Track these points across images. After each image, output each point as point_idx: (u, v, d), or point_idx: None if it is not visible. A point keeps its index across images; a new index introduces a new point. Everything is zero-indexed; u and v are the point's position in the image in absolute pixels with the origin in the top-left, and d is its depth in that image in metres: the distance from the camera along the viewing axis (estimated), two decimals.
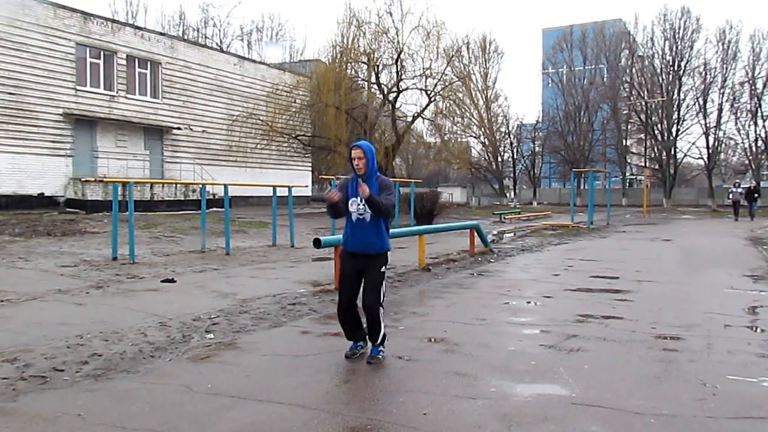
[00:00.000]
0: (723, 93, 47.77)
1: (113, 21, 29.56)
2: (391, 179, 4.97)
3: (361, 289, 4.86)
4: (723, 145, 51.24)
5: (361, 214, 4.78)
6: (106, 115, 27.28)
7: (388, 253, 4.93)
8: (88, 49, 26.73)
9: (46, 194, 24.54)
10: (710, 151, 48.25)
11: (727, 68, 47.36)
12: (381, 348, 4.82)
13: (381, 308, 4.79)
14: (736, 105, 47.48)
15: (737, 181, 32.23)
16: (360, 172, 4.75)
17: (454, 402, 3.86)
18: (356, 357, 4.89)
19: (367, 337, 4.94)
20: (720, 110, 47.87)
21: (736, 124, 47.87)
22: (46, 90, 24.78)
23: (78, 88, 26.20)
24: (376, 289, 4.77)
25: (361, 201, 4.72)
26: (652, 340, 5.43)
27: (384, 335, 4.82)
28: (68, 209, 23.76)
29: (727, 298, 7.70)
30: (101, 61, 27.35)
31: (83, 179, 23.97)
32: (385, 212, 4.77)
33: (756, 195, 28.18)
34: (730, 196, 29.25)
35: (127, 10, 49.74)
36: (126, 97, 28.34)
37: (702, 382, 4.24)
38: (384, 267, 4.85)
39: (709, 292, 8.25)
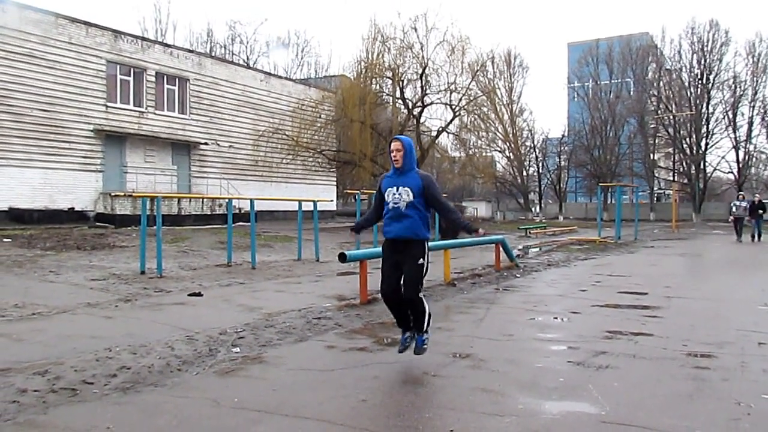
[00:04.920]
0: (753, 106, 47.19)
1: (143, 39, 30.19)
2: (432, 177, 5.07)
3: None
4: (754, 159, 50.45)
5: (396, 203, 4.89)
6: (136, 130, 27.79)
7: (426, 243, 4.97)
8: (118, 67, 27.33)
9: (76, 209, 25.01)
10: (740, 165, 47.51)
11: (757, 81, 46.78)
12: (426, 336, 4.94)
13: (421, 297, 4.90)
14: (767, 118, 46.71)
15: (741, 193, 26.81)
16: (397, 165, 4.89)
17: (481, 419, 3.81)
18: (407, 351, 5.04)
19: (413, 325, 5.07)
20: (750, 124, 47.25)
21: None
22: (77, 107, 25.37)
23: (108, 104, 26.76)
24: (413, 282, 4.86)
25: (397, 191, 4.87)
26: (683, 358, 5.30)
27: (429, 317, 4.95)
28: (98, 223, 24.16)
29: (762, 316, 7.51)
30: (131, 78, 27.94)
31: (113, 194, 24.39)
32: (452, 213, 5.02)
33: (761, 211, 22.76)
34: (733, 210, 23.61)
35: (156, 28, 50.73)
36: (155, 113, 28.86)
37: (736, 402, 4.12)
38: (422, 259, 4.89)
39: (742, 308, 8.05)
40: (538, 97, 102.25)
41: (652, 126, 52.04)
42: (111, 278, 10.51)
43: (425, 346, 4.95)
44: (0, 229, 19.32)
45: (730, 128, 47.40)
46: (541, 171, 57.24)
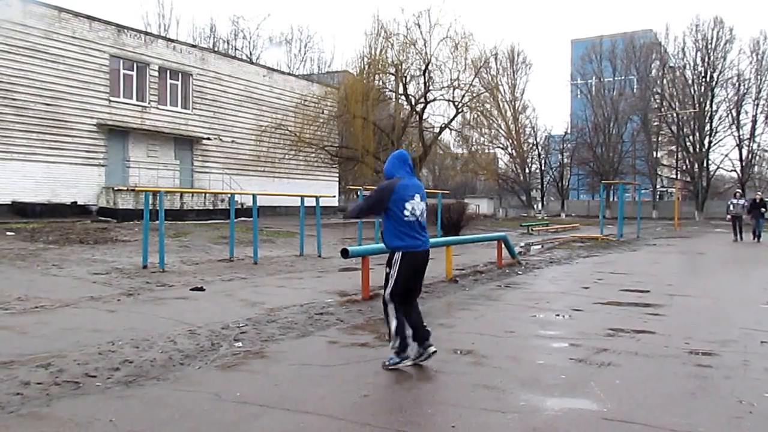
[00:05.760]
0: (757, 104, 47.00)
1: (146, 33, 30.15)
2: (384, 184, 4.98)
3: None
4: (757, 158, 50.31)
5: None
6: (138, 125, 27.79)
7: (396, 252, 4.95)
8: (121, 61, 27.32)
9: (79, 203, 25.03)
10: (744, 163, 47.39)
11: (761, 79, 46.58)
12: (391, 355, 4.84)
13: (388, 304, 4.89)
14: None
15: (737, 192, 25.67)
16: None
17: (482, 415, 3.82)
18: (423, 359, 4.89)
19: (430, 337, 4.93)
20: (754, 122, 47.08)
21: None
22: (80, 101, 25.36)
23: (111, 99, 26.75)
24: (386, 283, 4.99)
25: None
26: (685, 356, 5.30)
27: (394, 336, 4.82)
28: (100, 218, 24.17)
29: (764, 314, 7.50)
30: (134, 73, 27.92)
31: (115, 188, 24.41)
32: (351, 215, 5.41)
33: (763, 210, 21.61)
34: (731, 209, 22.69)
35: (159, 23, 50.66)
36: (158, 108, 28.85)
37: (738, 400, 4.12)
38: (388, 267, 4.95)
39: (744, 307, 8.04)
40: (541, 94, 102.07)
41: (656, 124, 51.84)
42: (113, 272, 10.53)
43: (386, 363, 4.80)
44: (3, 222, 19.34)
45: (734, 126, 47.26)
46: (543, 168, 57.10)
